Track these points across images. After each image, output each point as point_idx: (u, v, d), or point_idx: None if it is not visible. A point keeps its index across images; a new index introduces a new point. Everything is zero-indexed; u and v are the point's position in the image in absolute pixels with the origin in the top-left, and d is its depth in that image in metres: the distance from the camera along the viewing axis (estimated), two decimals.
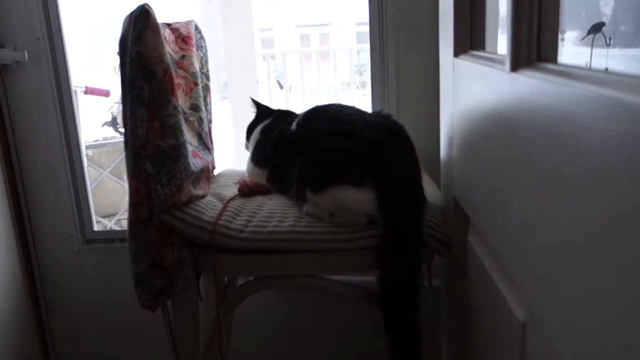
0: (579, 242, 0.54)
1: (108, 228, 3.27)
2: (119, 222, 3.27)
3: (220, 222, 1.21)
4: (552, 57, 0.74)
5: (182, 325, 1.30)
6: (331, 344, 1.87)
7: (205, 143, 1.46)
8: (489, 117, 0.86)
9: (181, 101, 1.41)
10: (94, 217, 1.87)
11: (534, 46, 0.74)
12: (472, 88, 0.95)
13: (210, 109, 1.62)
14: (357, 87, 6.71)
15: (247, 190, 1.36)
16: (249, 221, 1.23)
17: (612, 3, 1.19)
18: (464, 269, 1.14)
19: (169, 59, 1.17)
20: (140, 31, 1.12)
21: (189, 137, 1.37)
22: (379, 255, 1.15)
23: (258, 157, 1.50)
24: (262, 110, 1.61)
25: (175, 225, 1.20)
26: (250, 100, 1.63)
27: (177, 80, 1.42)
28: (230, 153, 4.46)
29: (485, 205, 0.94)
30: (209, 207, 1.26)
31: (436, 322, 1.40)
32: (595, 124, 0.49)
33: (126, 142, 1.19)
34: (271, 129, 1.52)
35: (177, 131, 1.18)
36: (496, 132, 0.83)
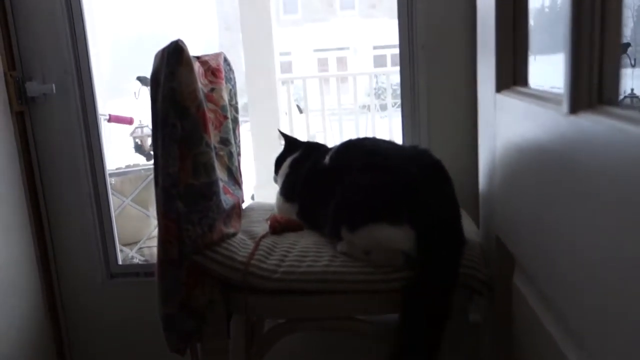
0: None
1: (129, 256, 3.25)
2: (141, 250, 3.25)
3: (253, 261, 1.18)
4: (614, 97, 0.70)
5: None
6: None
7: (235, 178, 1.44)
8: (540, 157, 0.82)
9: (211, 136, 1.39)
10: (119, 251, 1.85)
11: (594, 87, 0.70)
12: (520, 126, 0.91)
13: (239, 142, 1.60)
14: (377, 110, 6.69)
15: (278, 227, 1.32)
16: (282, 260, 1.19)
17: (631, 24, 1.17)
18: (508, 312, 1.09)
19: (202, 95, 1.15)
20: (173, 67, 1.10)
21: (219, 172, 1.35)
22: (403, 297, 1.10)
23: (288, 192, 1.46)
24: (291, 143, 1.58)
25: (207, 266, 1.17)
26: (279, 133, 1.60)
27: (207, 114, 1.40)
28: (250, 178, 4.45)
29: (534, 245, 0.89)
30: (241, 246, 1.23)
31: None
32: None
33: (157, 180, 1.17)
34: (301, 163, 1.49)
35: (209, 168, 1.16)
36: (549, 171, 0.79)
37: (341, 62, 9.07)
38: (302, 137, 5.32)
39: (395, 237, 1.13)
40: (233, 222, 1.30)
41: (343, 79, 6.03)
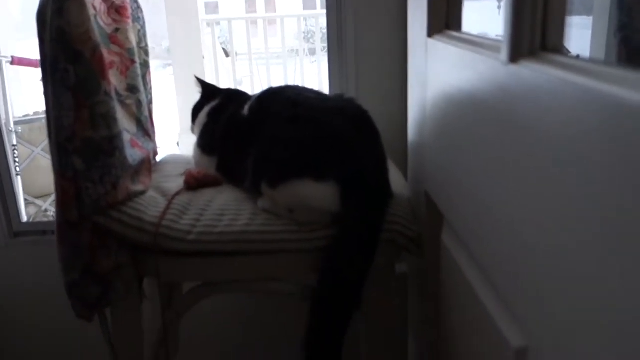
0: (577, 252, 0.47)
1: (43, 209, 3.03)
2: None
3: (164, 222, 1.06)
4: (559, 44, 0.62)
5: (123, 335, 1.15)
6: (284, 346, 1.75)
7: (145, 129, 1.29)
8: (475, 108, 0.74)
9: (115, 82, 1.23)
10: (23, 207, 1.67)
11: (537, 33, 0.61)
12: (454, 75, 0.82)
13: (151, 88, 1.44)
14: (306, 54, 6.51)
15: (194, 182, 1.20)
16: (198, 220, 1.08)
17: None
18: (437, 267, 1.03)
19: (97, 37, 0.99)
20: (61, 2, 0.93)
21: (126, 123, 1.20)
22: (324, 256, 1.03)
23: (206, 144, 1.34)
24: (209, 90, 1.44)
25: (111, 228, 1.04)
26: (195, 80, 1.46)
27: (110, 58, 1.23)
28: (174, 124, 4.23)
29: (464, 203, 0.83)
30: (151, 204, 1.10)
31: (404, 312, 1.31)
32: (597, 122, 0.44)
33: (50, 133, 1.02)
34: (220, 112, 1.36)
35: (110, 120, 1.01)
36: (484, 125, 0.71)
37: (269, 3, 8.74)
38: (229, 82, 5.10)
39: (320, 194, 1.04)
40: (142, 178, 1.16)
41: (271, 21, 5.78)
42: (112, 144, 1.02)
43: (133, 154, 1.11)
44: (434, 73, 0.93)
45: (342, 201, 1.03)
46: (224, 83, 4.77)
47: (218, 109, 1.38)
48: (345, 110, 1.13)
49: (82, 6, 0.95)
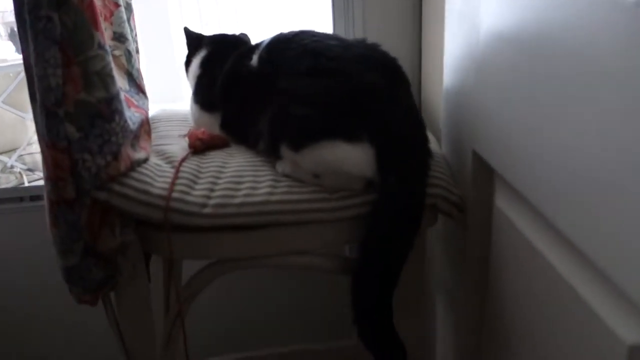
0: None
1: (9, 165, 2.80)
2: (22, 157, 2.80)
3: (175, 194, 0.91)
4: None
5: (131, 320, 1.02)
6: (307, 321, 1.66)
7: (138, 84, 1.12)
8: (574, 57, 0.60)
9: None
10: None
11: None
12: (539, 13, 0.68)
13: (136, 35, 1.25)
14: None
15: (200, 145, 1.05)
16: (212, 190, 0.94)
17: None
18: (487, 240, 0.93)
19: None
20: None
21: (118, 80, 1.02)
22: (366, 226, 0.91)
23: (204, 99, 1.17)
24: (194, 39, 1.26)
25: (115, 204, 0.89)
26: (183, 31, 1.28)
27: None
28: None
29: (533, 162, 0.71)
30: (157, 173, 0.95)
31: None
32: None
33: (32, 94, 0.84)
34: (215, 61, 1.19)
35: (107, 79, 0.84)
36: (585, 77, 0.58)
37: None
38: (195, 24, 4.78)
39: (352, 157, 0.90)
40: (142, 143, 1.00)
41: None
42: (110, 106, 0.85)
43: (131, 116, 0.95)
44: (498, 11, 0.79)
45: (378, 164, 0.90)
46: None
47: (212, 58, 1.21)
48: (373, 58, 0.98)
49: None
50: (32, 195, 1.49)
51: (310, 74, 0.95)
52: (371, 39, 1.04)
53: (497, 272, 0.90)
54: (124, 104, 0.92)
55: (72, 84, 0.81)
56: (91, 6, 0.80)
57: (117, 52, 1.07)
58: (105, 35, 1.05)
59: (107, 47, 0.84)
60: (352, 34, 1.36)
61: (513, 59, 0.74)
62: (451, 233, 1.08)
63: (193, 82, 1.22)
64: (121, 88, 1.01)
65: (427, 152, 0.95)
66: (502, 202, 0.87)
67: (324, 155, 0.91)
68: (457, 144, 1.00)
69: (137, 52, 1.25)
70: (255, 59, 1.05)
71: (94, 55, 0.81)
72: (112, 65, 0.87)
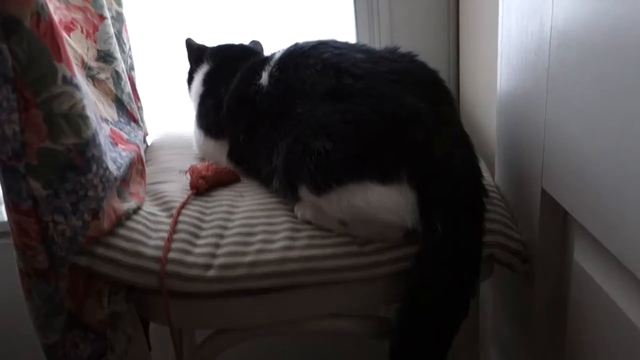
0: None
1: None
2: None
3: (172, 254, 0.73)
4: None
5: None
6: None
7: (129, 110, 0.93)
8: None
9: (81, 50, 0.86)
10: None
11: None
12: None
13: (130, 49, 1.07)
14: None
15: (204, 185, 0.86)
16: (217, 245, 0.75)
17: None
18: (563, 299, 0.73)
19: None
20: None
21: (102, 109, 0.84)
22: (408, 284, 0.72)
23: (209, 124, 0.98)
24: (196, 51, 1.07)
25: (99, 270, 0.71)
26: (185, 43, 1.09)
27: (69, 16, 0.86)
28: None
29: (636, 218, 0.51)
30: (151, 227, 0.77)
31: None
32: None
33: None
34: (219, 77, 1.00)
35: (77, 120, 0.65)
36: None
37: None
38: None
39: (387, 201, 0.71)
40: (133, 187, 0.82)
41: None
42: (85, 154, 0.66)
43: (117, 157, 0.76)
44: (578, 14, 0.58)
45: (420, 209, 0.71)
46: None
47: (216, 73, 1.02)
48: (409, 74, 0.78)
49: None
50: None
51: (332, 97, 0.76)
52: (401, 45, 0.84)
53: (573, 330, 0.71)
54: (107, 145, 0.74)
55: (34, 130, 0.63)
56: (51, 30, 0.61)
57: (102, 76, 0.88)
58: (89, 54, 0.87)
59: (77, 80, 0.65)
60: (378, 41, 1.15)
61: (602, 71, 0.53)
62: (509, 283, 0.88)
63: (196, 102, 1.03)
64: (107, 120, 0.83)
65: (480, 190, 0.75)
66: (580, 253, 0.66)
67: (353, 200, 0.72)
68: (518, 177, 0.80)
69: (132, 69, 1.07)
70: (265, 77, 0.86)
71: (58, 93, 0.63)
72: (88, 100, 0.68)
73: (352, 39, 1.18)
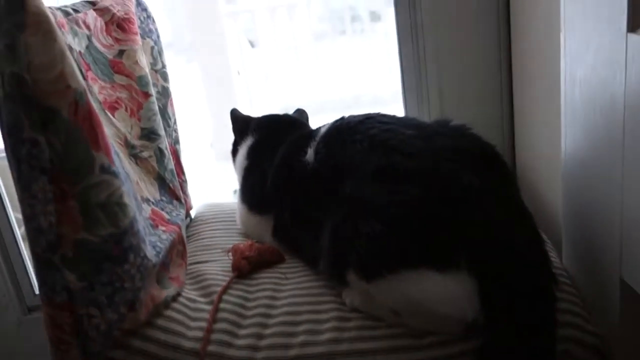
0: None
1: None
2: None
3: (212, 347, 0.68)
4: None
5: None
6: None
7: (172, 188, 0.90)
8: None
9: (124, 129, 0.84)
10: (34, 277, 1.31)
11: None
12: None
13: (175, 122, 1.05)
14: (336, 35, 6.00)
15: (246, 266, 0.81)
16: (260, 336, 0.70)
17: None
18: None
19: (79, 80, 0.59)
20: (13, 35, 0.54)
21: (143, 188, 0.81)
22: None
23: (253, 198, 0.94)
24: (241, 123, 1.05)
25: None
26: (230, 115, 1.07)
27: (114, 95, 0.85)
28: (207, 131, 3.83)
29: None
30: (190, 315, 0.72)
31: None
32: None
33: (28, 234, 0.64)
34: (264, 150, 0.96)
35: (115, 209, 0.62)
36: None
37: None
38: (257, 76, 4.71)
39: (444, 291, 0.64)
40: (173, 271, 0.78)
41: (292, 5, 5.34)
42: (122, 243, 0.63)
43: (157, 242, 0.73)
44: None
45: (481, 299, 0.63)
46: (251, 77, 4.37)
47: (260, 147, 0.98)
48: (464, 150, 0.72)
49: (49, 35, 0.55)
50: None
51: (382, 176, 0.70)
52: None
53: None
54: (146, 229, 0.70)
55: (69, 221, 0.60)
56: (89, 118, 0.59)
57: (145, 154, 0.86)
58: (132, 132, 0.85)
59: (116, 168, 0.63)
60: (427, 110, 1.09)
61: None
62: None
63: (240, 175, 1.00)
64: (148, 199, 0.80)
65: (549, 277, 0.67)
66: None
67: (406, 289, 0.65)
68: (590, 261, 0.71)
69: (177, 142, 1.05)
70: (310, 153, 0.82)
71: (95, 183, 0.60)
72: (128, 185, 0.65)
73: (400, 108, 1.14)
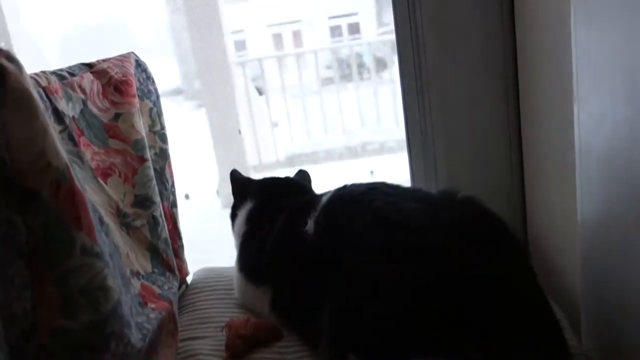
0: None
1: None
2: None
3: None
4: None
5: None
6: None
7: (165, 260, 0.86)
8: None
9: (116, 196, 0.80)
10: None
11: None
12: None
13: (173, 185, 1.01)
14: (340, 81, 6.03)
15: (241, 346, 0.76)
16: None
17: None
18: None
19: (62, 158, 0.55)
20: None
21: (133, 260, 0.77)
22: None
23: (251, 268, 0.89)
24: (241, 185, 1.01)
25: None
26: (230, 176, 1.03)
27: (108, 160, 0.82)
28: (212, 174, 3.81)
29: None
30: None
31: None
32: None
33: (2, 321, 0.59)
34: (263, 215, 0.92)
35: (97, 294, 0.57)
36: None
37: (296, 35, 8.40)
38: (264, 122, 4.72)
39: None
40: (163, 350, 0.72)
41: (300, 54, 5.43)
42: (102, 331, 0.58)
43: (144, 322, 0.68)
44: None
45: None
46: (259, 124, 4.37)
47: (259, 212, 0.94)
48: (471, 226, 0.67)
49: (30, 112, 0.52)
50: None
51: (386, 254, 0.65)
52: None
53: None
54: (133, 309, 0.65)
55: (47, 308, 0.55)
56: (72, 196, 0.55)
57: (138, 223, 0.82)
58: (125, 199, 0.81)
59: (99, 248, 0.58)
60: (434, 173, 1.05)
61: None
62: None
63: (238, 241, 0.95)
64: (139, 274, 0.76)
65: None
66: None
67: None
68: (615, 343, 0.65)
69: (174, 206, 1.01)
70: (311, 224, 0.77)
71: (76, 267, 0.56)
72: (114, 263, 0.61)
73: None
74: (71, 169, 0.56)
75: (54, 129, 0.73)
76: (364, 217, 0.70)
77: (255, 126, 4.32)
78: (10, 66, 0.50)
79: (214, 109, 4.24)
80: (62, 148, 0.55)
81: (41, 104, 0.53)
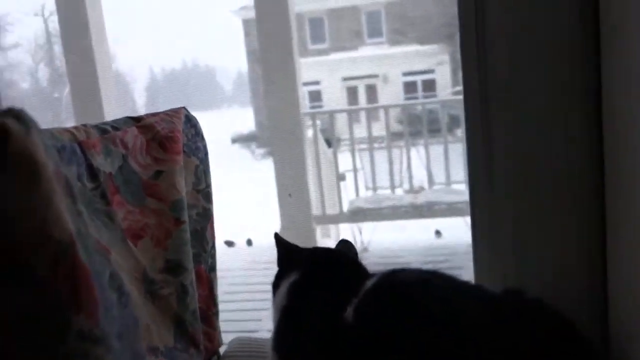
0: None
1: None
2: None
3: None
4: None
5: None
6: None
7: (190, 334, 0.77)
8: None
9: (145, 261, 0.74)
10: None
11: None
12: None
13: (213, 246, 0.94)
14: (411, 137, 5.93)
15: None
16: None
17: None
18: None
19: (69, 229, 0.49)
20: None
21: (155, 331, 0.69)
22: None
23: (286, 348, 0.79)
24: (287, 252, 0.92)
25: None
26: (274, 239, 0.94)
27: (142, 221, 0.75)
28: (275, 221, 3.77)
29: None
30: None
31: None
32: None
33: None
34: (306, 292, 0.82)
35: None
36: None
37: (371, 89, 8.45)
38: (331, 176, 4.66)
39: None
40: None
41: (373, 110, 5.41)
42: None
43: None
44: None
45: None
46: (326, 177, 4.32)
47: (304, 285, 0.84)
48: (538, 336, 0.55)
49: (34, 176, 0.46)
50: None
51: (429, 353, 0.54)
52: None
53: None
54: None
55: None
56: (72, 275, 0.48)
57: (165, 291, 0.75)
58: (154, 265, 0.74)
59: (102, 331, 0.51)
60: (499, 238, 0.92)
61: None
62: None
63: (276, 315, 0.86)
64: (157, 349, 0.68)
65: None
66: None
67: None
68: None
69: (213, 269, 0.93)
70: (350, 311, 0.67)
71: (68, 353, 0.48)
72: (113, 354, 0.53)
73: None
74: (78, 241, 0.49)
75: (83, 187, 0.68)
76: (415, 312, 0.59)
77: (321, 177, 4.29)
78: (15, 127, 0.44)
79: (281, 158, 4.25)
80: (70, 218, 0.49)
81: (49, 169, 0.47)
